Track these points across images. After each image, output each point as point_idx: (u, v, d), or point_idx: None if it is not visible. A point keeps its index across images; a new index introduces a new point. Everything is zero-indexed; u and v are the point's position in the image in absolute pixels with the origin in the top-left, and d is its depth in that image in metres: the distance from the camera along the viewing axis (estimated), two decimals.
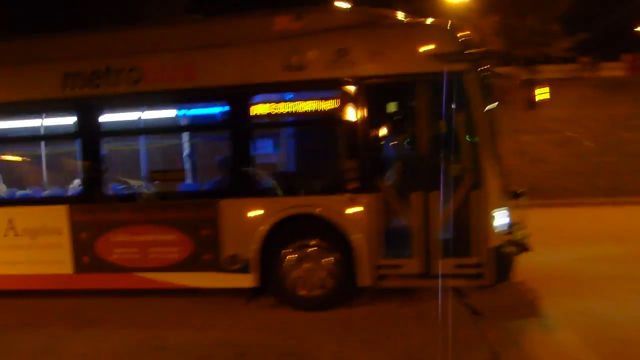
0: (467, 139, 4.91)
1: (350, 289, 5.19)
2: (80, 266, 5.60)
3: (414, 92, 4.98)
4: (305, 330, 4.69)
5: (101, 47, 5.54)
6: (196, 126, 5.81)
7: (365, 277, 5.05)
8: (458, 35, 4.93)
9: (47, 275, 5.69)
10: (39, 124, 5.81)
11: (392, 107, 5.35)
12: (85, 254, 5.58)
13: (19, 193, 6.06)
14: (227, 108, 5.34)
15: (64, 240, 5.60)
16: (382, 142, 5.28)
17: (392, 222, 5.12)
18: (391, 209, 5.05)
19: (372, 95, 5.00)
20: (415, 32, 5.02)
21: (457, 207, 4.94)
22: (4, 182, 6.14)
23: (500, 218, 4.96)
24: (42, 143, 6.14)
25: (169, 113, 5.72)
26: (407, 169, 5.16)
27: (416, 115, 5.04)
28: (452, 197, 4.94)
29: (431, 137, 5.04)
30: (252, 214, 5.22)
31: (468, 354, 4.01)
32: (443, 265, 4.98)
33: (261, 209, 5.20)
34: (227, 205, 5.27)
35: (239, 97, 5.23)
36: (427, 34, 4.98)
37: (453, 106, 4.99)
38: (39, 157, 6.19)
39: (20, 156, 5.76)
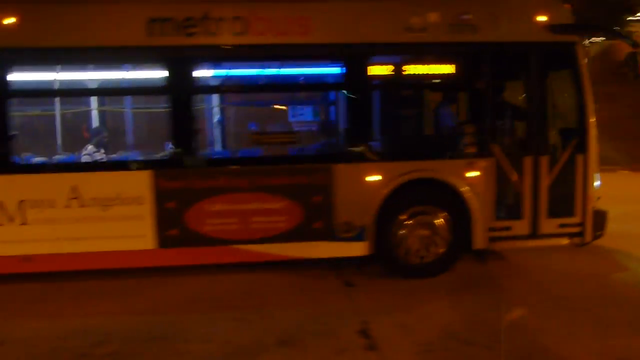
0: (575, 105, 5.25)
1: (461, 254, 5.26)
2: (165, 240, 4.91)
3: (528, 59, 5.16)
4: (177, 311, 4.42)
5: None
6: (307, 85, 5.35)
7: (480, 240, 5.15)
8: (568, 8, 5.24)
9: (123, 252, 4.88)
10: (116, 75, 4.91)
11: (506, 74, 5.47)
12: (172, 227, 4.90)
13: (86, 155, 5.09)
14: (342, 67, 5.03)
15: (146, 211, 4.86)
16: (497, 108, 5.38)
17: (501, 185, 5.29)
18: (503, 173, 5.21)
19: (489, 61, 5.09)
20: (533, 3, 5.20)
21: (563, 170, 5.27)
22: (69, 141, 5.10)
23: (597, 179, 5.39)
24: (117, 98, 5.18)
25: (276, 70, 5.21)
26: (519, 134, 5.36)
27: (528, 82, 5.25)
28: (560, 160, 5.26)
29: (541, 104, 5.29)
30: (369, 178, 5.02)
31: (339, 325, 4.01)
32: (548, 225, 5.30)
33: (378, 173, 5.02)
34: (342, 170, 4.99)
35: (357, 56, 4.97)
36: (544, 5, 5.19)
37: (563, 75, 5.32)
38: (113, 113, 5.22)
39: (90, 111, 4.76)
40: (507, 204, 5.32)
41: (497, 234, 5.25)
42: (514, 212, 5.29)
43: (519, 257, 5.60)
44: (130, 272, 4.98)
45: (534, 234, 5.29)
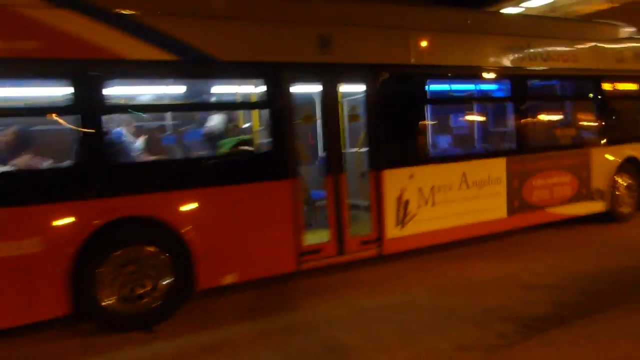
0: None
1: None
2: (511, 209, 6.59)
3: None
4: None
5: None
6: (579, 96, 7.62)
7: None
8: None
9: (485, 222, 6.39)
10: (479, 89, 6.43)
11: None
12: (514, 199, 6.61)
13: (469, 149, 6.45)
14: (598, 86, 7.45)
15: (502, 189, 6.48)
16: None
17: None
18: None
19: None
20: None
21: None
22: (456, 139, 6.43)
23: None
24: (481, 106, 6.68)
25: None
26: None
27: None
28: None
29: None
30: (608, 157, 7.46)
31: None
32: None
33: (612, 154, 7.50)
34: (595, 152, 7.34)
35: (603, 79, 7.45)
36: None
37: None
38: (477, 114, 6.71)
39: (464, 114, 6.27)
40: None
41: None
42: None
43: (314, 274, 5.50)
44: None
45: None
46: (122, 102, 4.96)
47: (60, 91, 4.43)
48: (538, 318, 4.13)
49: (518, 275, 5.30)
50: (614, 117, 7.61)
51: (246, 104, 5.55)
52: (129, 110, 4.84)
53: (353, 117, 5.90)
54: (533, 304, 4.45)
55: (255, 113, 5.32)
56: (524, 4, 30.75)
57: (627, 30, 7.96)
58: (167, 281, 4.55)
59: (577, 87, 7.59)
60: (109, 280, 4.36)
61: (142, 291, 4.48)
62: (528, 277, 5.22)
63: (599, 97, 7.50)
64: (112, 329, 4.36)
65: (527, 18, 7.00)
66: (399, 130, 5.79)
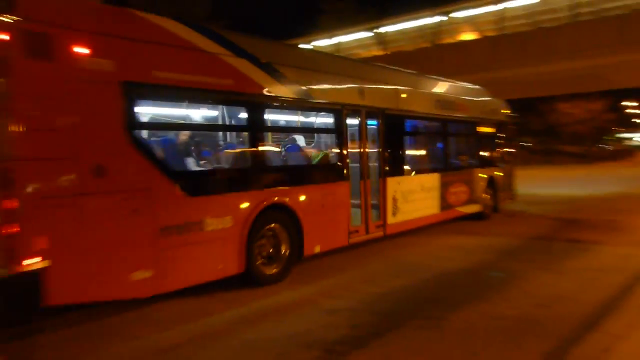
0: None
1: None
2: (441, 207, 9.92)
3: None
4: None
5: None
6: (468, 134, 11.16)
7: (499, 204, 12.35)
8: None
9: (427, 216, 9.58)
10: (428, 127, 9.73)
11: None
12: (442, 201, 9.96)
13: (423, 166, 9.51)
14: (481, 127, 11.33)
15: (436, 194, 9.78)
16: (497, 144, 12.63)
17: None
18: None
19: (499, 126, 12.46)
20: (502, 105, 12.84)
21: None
22: (415, 162, 9.37)
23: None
24: (428, 137, 9.83)
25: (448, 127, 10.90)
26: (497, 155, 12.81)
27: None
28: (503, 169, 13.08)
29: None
30: (481, 175, 11.43)
31: None
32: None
33: (484, 173, 11.50)
34: (474, 172, 11.23)
35: (481, 121, 11.41)
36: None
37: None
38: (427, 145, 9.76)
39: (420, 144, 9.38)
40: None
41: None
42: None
43: None
44: None
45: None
46: (270, 125, 6.94)
47: (233, 114, 6.35)
48: (338, 341, 4.29)
49: (316, 299, 5.61)
50: (485, 149, 11.74)
51: (328, 130, 7.91)
52: (276, 131, 7.21)
53: (372, 141, 8.55)
54: (332, 327, 4.64)
55: (331, 136, 7.67)
56: (314, 43, 36.21)
57: (484, 92, 12.29)
58: (286, 250, 6.53)
59: (468, 128, 11.51)
60: (257, 249, 6.20)
61: (271, 257, 6.39)
62: (325, 300, 5.54)
63: (478, 135, 11.56)
64: (258, 284, 6.16)
65: (441, 80, 10.63)
66: (394, 151, 8.67)
